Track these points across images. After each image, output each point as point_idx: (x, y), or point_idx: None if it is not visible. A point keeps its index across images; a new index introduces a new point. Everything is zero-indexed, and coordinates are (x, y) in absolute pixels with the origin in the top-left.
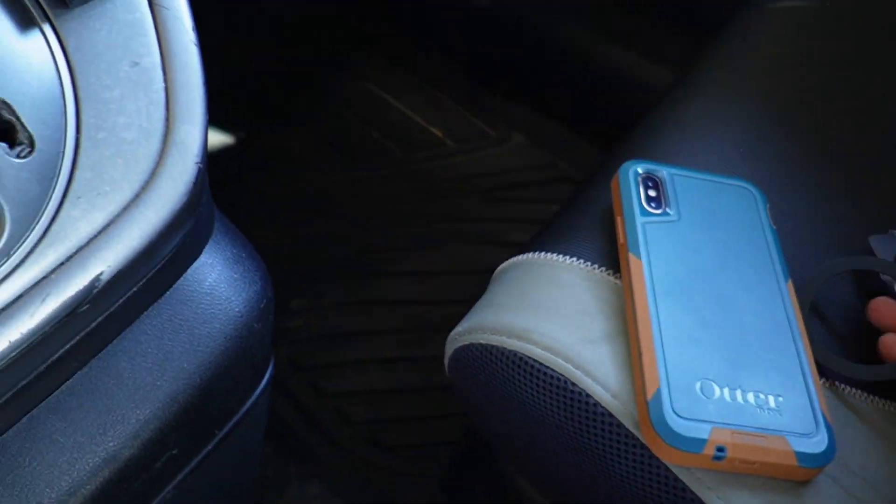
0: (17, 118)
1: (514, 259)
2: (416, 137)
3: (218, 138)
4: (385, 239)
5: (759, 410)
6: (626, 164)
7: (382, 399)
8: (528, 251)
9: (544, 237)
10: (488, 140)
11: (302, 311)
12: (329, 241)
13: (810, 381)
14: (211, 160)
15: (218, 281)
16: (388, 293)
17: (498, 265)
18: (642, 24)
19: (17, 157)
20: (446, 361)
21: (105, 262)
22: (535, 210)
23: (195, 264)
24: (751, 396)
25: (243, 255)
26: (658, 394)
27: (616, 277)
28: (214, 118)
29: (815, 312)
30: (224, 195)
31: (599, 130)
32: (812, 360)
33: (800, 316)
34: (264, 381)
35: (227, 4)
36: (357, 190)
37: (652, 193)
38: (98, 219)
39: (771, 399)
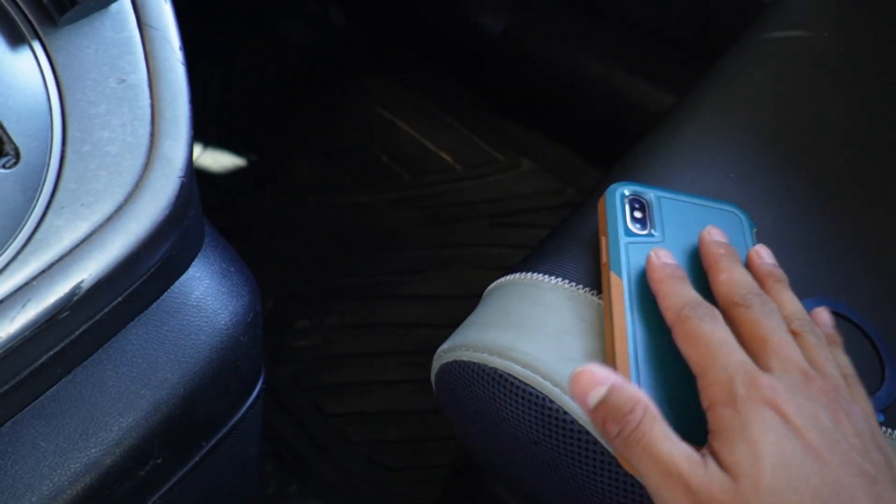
0: (4, 130)
1: (502, 279)
2: (426, 162)
3: (228, 158)
4: (392, 262)
5: None
6: (613, 186)
7: (383, 420)
8: (516, 271)
9: (533, 258)
10: (497, 165)
11: (307, 331)
12: (336, 262)
13: None
14: (221, 180)
15: (205, 294)
16: (394, 316)
17: None
18: (651, 53)
19: (3, 167)
20: (433, 380)
21: (86, 271)
22: (543, 235)
23: (183, 277)
24: None
25: (232, 269)
26: None
27: (599, 298)
28: (226, 138)
29: None
30: (233, 215)
31: (608, 157)
32: None
33: None
34: (254, 395)
35: (242, 27)
36: (365, 213)
37: (638, 215)
38: (81, 228)
39: None
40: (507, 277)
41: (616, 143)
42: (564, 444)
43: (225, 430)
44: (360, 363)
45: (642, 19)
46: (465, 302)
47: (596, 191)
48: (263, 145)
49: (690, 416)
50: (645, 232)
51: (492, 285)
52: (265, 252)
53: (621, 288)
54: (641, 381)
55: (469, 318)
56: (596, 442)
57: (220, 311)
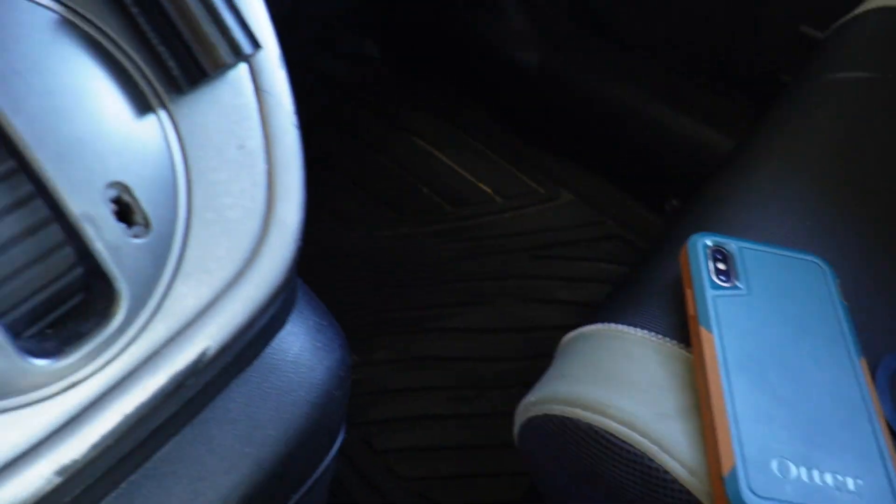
0: (135, 200)
1: (584, 329)
2: (466, 194)
3: None
4: (435, 295)
5: (837, 493)
6: (694, 237)
7: (433, 456)
8: (598, 322)
9: (613, 308)
10: (536, 197)
11: (355, 366)
12: (379, 296)
13: (889, 463)
14: None
15: (302, 350)
16: (439, 350)
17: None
18: (689, 86)
19: (134, 237)
20: (516, 429)
21: (211, 338)
22: (584, 268)
23: (281, 333)
24: (828, 478)
25: (324, 323)
26: (734, 471)
27: (687, 350)
28: None
29: (888, 391)
30: None
31: (646, 189)
32: (890, 442)
33: (874, 395)
34: (336, 445)
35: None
36: (407, 246)
37: (721, 267)
38: (205, 295)
39: (850, 481)
40: (590, 328)
41: (655, 175)
42: (664, 503)
43: (311, 481)
44: (407, 398)
45: (674, 51)
46: (508, 335)
47: (665, 237)
48: (305, 180)
49: (795, 475)
50: (730, 284)
51: (572, 334)
52: (309, 287)
53: (713, 343)
54: (742, 439)
55: (554, 369)
56: (698, 502)
57: (316, 366)
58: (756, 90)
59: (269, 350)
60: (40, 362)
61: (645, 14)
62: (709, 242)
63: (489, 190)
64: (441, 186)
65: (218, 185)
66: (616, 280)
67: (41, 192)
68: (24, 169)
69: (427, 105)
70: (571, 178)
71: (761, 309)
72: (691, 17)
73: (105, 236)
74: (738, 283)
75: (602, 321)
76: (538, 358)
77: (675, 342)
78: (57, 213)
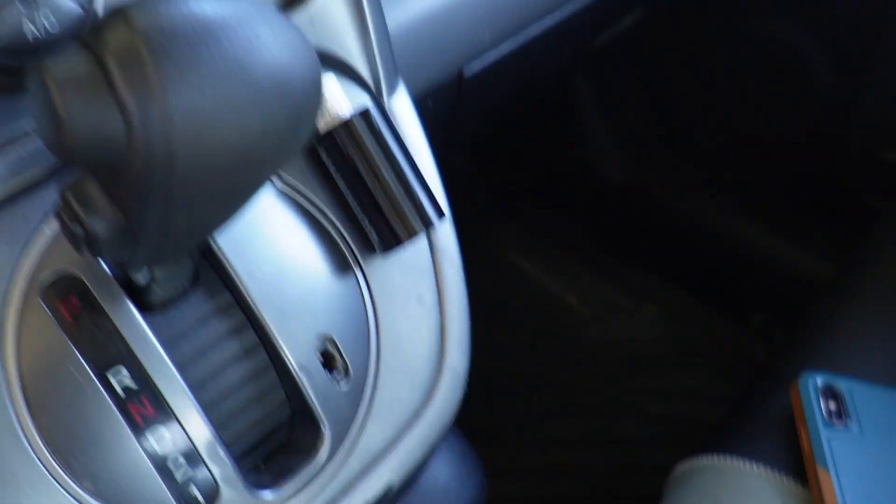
0: (339, 350)
1: (701, 461)
2: (552, 305)
3: None
4: (523, 405)
5: None
6: (805, 377)
7: None
8: (713, 452)
9: (726, 439)
10: (620, 309)
11: None
12: (470, 406)
13: None
14: None
15: (450, 477)
16: (529, 461)
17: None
18: (772, 204)
19: (336, 383)
20: None
21: (395, 473)
22: (669, 382)
23: (434, 461)
24: None
25: (465, 450)
26: None
27: (804, 487)
28: None
29: None
30: None
31: (730, 303)
32: None
33: None
34: None
35: None
36: (494, 356)
37: (832, 406)
38: (389, 434)
39: None
40: (707, 460)
41: (739, 291)
42: None
43: None
44: None
45: (757, 171)
46: (598, 450)
47: (772, 370)
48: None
49: None
50: (843, 424)
51: (688, 465)
52: None
53: (831, 484)
54: None
55: (675, 500)
56: None
57: (461, 493)
58: (838, 209)
59: (425, 477)
60: (265, 494)
61: (727, 136)
62: (819, 382)
63: (574, 302)
64: (528, 297)
65: (401, 334)
66: (702, 395)
67: (264, 342)
68: (251, 323)
69: (514, 216)
70: (655, 291)
71: (876, 449)
72: (774, 141)
73: (315, 383)
74: (849, 423)
75: (718, 452)
76: (627, 474)
77: (791, 479)
78: (275, 360)
